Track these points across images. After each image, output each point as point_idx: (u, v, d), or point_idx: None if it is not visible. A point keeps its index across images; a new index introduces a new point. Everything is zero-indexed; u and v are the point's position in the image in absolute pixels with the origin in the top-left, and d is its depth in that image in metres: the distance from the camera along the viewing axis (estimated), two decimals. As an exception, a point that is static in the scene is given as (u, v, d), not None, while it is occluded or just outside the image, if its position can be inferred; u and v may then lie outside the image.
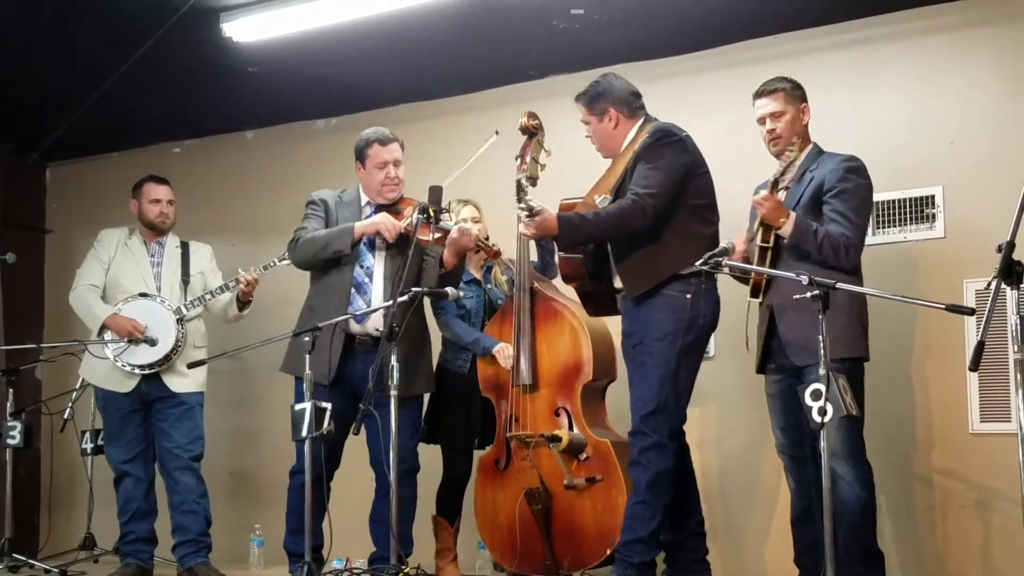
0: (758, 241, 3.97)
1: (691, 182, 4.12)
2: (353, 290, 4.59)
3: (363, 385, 4.25)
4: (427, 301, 4.72)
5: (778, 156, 4.07)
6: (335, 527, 4.37)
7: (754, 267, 3.92)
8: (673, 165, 4.08)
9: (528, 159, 4.44)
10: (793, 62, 4.99)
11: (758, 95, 4.19)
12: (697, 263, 3.71)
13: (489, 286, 5.02)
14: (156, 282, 5.32)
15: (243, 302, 5.30)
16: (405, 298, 4.21)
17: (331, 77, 5.70)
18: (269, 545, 5.62)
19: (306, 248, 4.64)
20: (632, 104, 4.32)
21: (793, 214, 3.92)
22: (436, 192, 4.33)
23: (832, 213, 3.96)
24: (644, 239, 4.07)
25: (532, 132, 4.50)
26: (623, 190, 4.11)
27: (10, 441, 5.63)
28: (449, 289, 4.39)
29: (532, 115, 4.53)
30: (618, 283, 4.27)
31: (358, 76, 5.70)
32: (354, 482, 4.71)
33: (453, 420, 4.88)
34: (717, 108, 5.01)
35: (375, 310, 4.47)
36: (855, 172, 4.03)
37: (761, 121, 4.17)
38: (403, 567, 4.08)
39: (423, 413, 4.84)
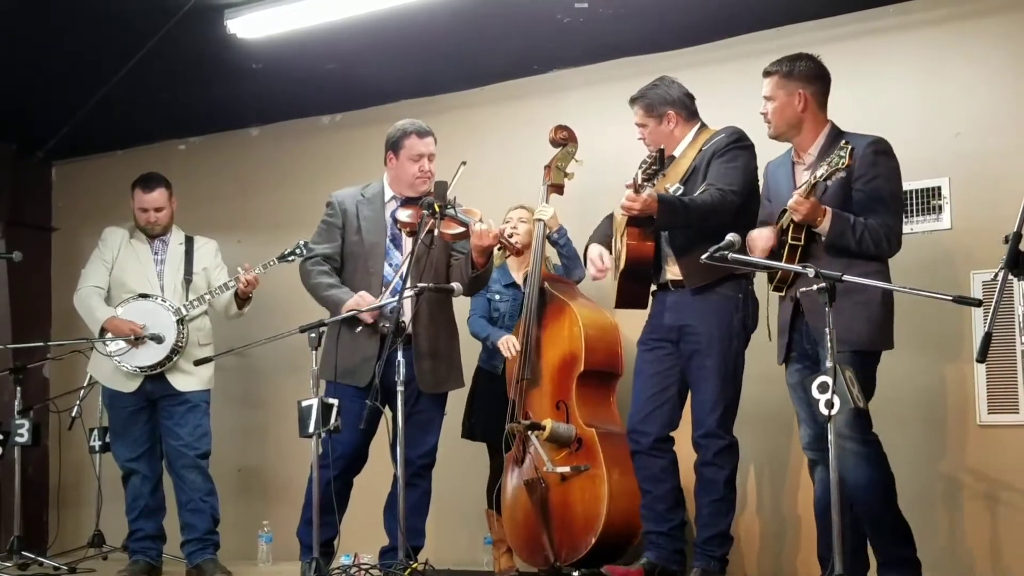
0: (788, 239, 3.82)
1: (754, 190, 4.24)
2: (384, 289, 4.56)
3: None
4: (460, 300, 4.73)
5: (774, 138, 4.04)
6: (345, 522, 4.37)
7: (757, 260, 3.80)
8: (749, 167, 4.23)
9: (554, 168, 4.92)
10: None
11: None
12: (703, 257, 3.69)
13: (528, 290, 4.97)
14: (160, 280, 5.30)
15: (242, 299, 5.27)
16: (410, 294, 4.24)
17: (336, 73, 5.70)
18: (277, 541, 5.64)
19: (310, 289, 4.70)
20: (690, 107, 4.39)
21: (830, 211, 3.76)
22: (441, 187, 4.35)
23: (867, 201, 3.81)
24: (710, 234, 3.93)
25: (560, 143, 4.94)
26: (691, 185, 4.17)
27: (18, 439, 5.63)
28: (454, 285, 4.38)
29: (559, 128, 4.95)
30: (670, 275, 4.29)
31: (363, 72, 5.70)
32: (365, 478, 4.71)
33: (491, 418, 4.93)
34: (722, 101, 4.99)
35: (379, 306, 4.43)
36: (884, 155, 3.88)
37: None
38: (412, 563, 4.07)
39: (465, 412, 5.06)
